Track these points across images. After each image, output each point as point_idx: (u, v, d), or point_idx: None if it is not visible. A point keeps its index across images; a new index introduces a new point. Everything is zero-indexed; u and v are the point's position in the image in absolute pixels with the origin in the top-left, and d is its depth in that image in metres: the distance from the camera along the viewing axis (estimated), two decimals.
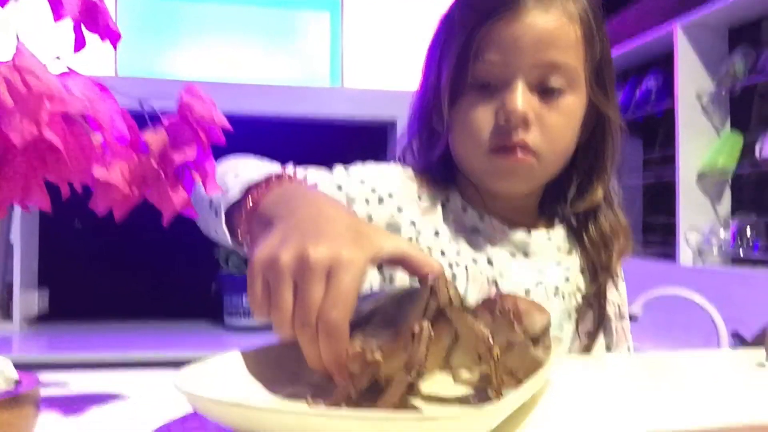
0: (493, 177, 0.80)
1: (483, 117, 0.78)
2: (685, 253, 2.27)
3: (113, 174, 0.39)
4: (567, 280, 0.85)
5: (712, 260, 2.25)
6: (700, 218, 2.29)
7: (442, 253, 0.81)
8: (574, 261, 0.87)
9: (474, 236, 0.84)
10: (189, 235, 2.45)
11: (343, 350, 0.42)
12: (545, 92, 0.77)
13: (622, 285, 0.92)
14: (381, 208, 0.81)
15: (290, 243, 0.45)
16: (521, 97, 0.75)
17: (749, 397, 0.54)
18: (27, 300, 2.23)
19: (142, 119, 0.46)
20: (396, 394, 0.40)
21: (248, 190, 0.62)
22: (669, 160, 2.31)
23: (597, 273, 0.86)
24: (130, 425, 0.44)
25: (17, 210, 2.16)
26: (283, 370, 0.50)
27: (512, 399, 0.40)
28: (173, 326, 2.40)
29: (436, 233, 0.82)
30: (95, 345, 2.04)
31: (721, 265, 2.24)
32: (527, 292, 0.82)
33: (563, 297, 0.84)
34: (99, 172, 0.39)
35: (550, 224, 0.88)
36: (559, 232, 0.87)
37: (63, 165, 0.35)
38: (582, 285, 0.86)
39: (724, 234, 2.21)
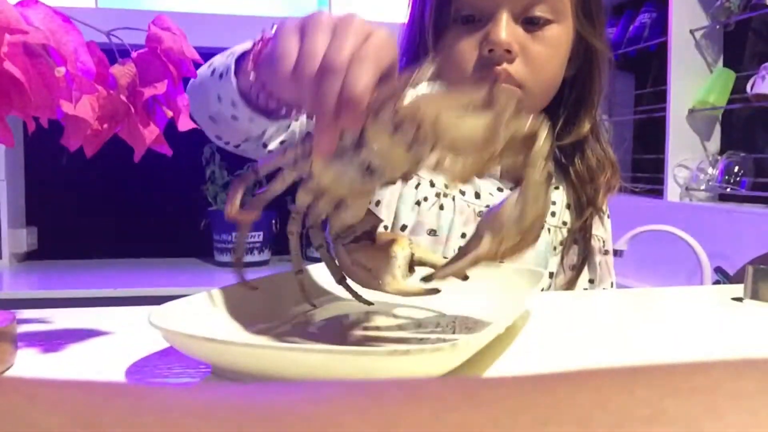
0: None
1: (467, 49, 0.77)
2: (673, 190, 2.28)
3: (81, 109, 0.38)
4: (553, 214, 0.86)
5: (700, 197, 2.26)
6: (689, 155, 2.29)
7: (432, 183, 0.81)
8: (560, 195, 0.87)
9: None
10: (178, 172, 2.44)
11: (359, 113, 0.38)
12: (530, 23, 0.76)
13: (607, 221, 0.92)
14: None
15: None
16: (505, 28, 0.74)
17: (724, 332, 0.55)
18: (15, 237, 2.22)
19: (117, 52, 0.44)
20: None
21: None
22: (660, 96, 2.29)
23: (583, 208, 0.86)
24: (107, 360, 0.45)
25: (1, 148, 2.13)
26: (261, 306, 0.51)
27: (486, 333, 0.40)
28: (163, 263, 2.41)
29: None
30: (84, 282, 2.05)
31: (708, 201, 2.25)
32: None
33: (548, 231, 0.85)
34: (66, 106, 0.38)
35: None
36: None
37: (26, 99, 0.34)
38: (568, 220, 0.86)
39: (712, 171, 2.21)
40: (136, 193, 2.44)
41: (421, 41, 0.81)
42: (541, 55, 0.77)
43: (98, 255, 2.43)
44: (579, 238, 0.86)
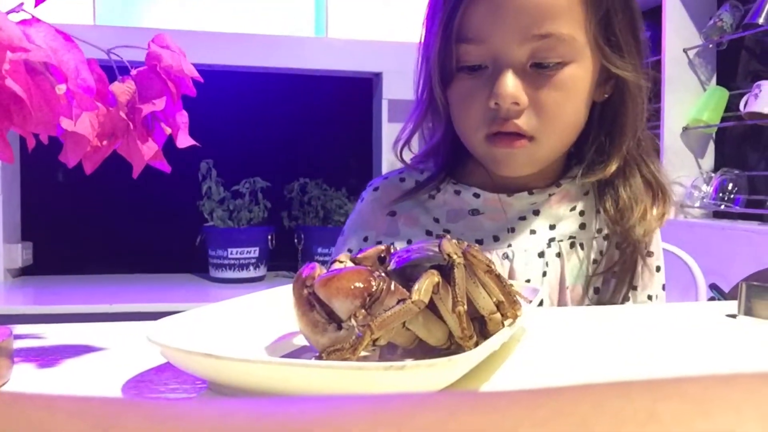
0: (493, 164, 0.77)
1: (475, 101, 0.73)
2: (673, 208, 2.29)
3: (81, 125, 0.38)
4: (582, 226, 0.81)
5: (694, 214, 2.27)
6: (683, 172, 2.30)
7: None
8: (590, 202, 0.82)
9: (474, 217, 0.81)
10: (173, 189, 2.44)
11: None
12: (539, 66, 0.71)
13: (650, 259, 0.83)
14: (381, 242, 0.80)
15: None
16: (510, 81, 0.70)
17: (717, 347, 0.55)
18: (10, 253, 2.22)
19: (117, 70, 0.45)
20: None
21: None
22: (655, 114, 2.31)
23: (617, 241, 0.80)
24: (104, 376, 0.45)
25: None
26: (262, 321, 0.51)
27: (481, 349, 0.40)
28: (158, 279, 2.41)
29: (428, 233, 0.81)
30: (80, 298, 2.05)
31: (703, 218, 2.26)
32: (541, 254, 0.80)
33: (581, 247, 0.81)
34: (66, 123, 0.38)
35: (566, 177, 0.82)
36: (570, 185, 0.82)
37: (27, 116, 0.35)
38: (602, 227, 0.81)
39: (706, 188, 2.22)
40: (132, 209, 2.44)
41: (432, 85, 0.78)
42: (553, 100, 0.72)
43: (93, 270, 2.42)
44: (615, 277, 0.80)
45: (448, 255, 0.42)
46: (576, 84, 0.73)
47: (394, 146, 0.87)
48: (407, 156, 0.87)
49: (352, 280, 0.41)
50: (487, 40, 0.71)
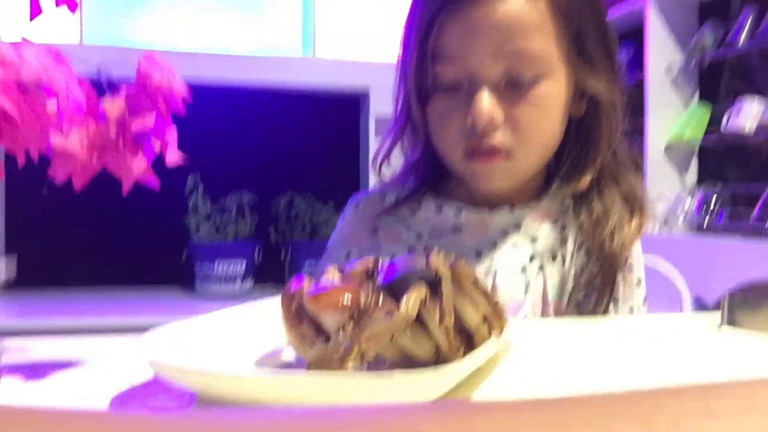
0: (472, 180, 0.78)
1: (452, 119, 0.74)
2: (653, 222, 2.31)
3: (71, 142, 0.39)
4: (564, 241, 0.82)
5: (678, 229, 2.30)
6: (667, 187, 2.33)
7: None
8: (570, 229, 0.83)
9: (456, 234, 0.82)
10: (159, 203, 2.44)
11: None
12: (514, 84, 0.72)
13: (630, 273, 0.84)
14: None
15: None
16: (485, 100, 0.71)
17: (701, 356, 0.56)
18: None
19: (103, 87, 0.45)
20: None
21: None
22: (639, 130, 2.34)
23: (595, 255, 0.81)
24: (91, 390, 0.45)
25: None
26: (250, 334, 0.51)
27: (469, 360, 0.41)
28: (144, 293, 2.39)
29: (411, 249, 0.81)
30: (66, 312, 2.03)
31: (687, 233, 2.28)
32: (524, 269, 0.80)
33: (563, 261, 0.81)
34: (56, 140, 0.39)
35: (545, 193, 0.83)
36: (551, 200, 0.83)
37: (18, 133, 0.35)
38: (578, 259, 0.82)
39: (689, 203, 2.25)
40: (118, 222, 2.43)
41: (410, 103, 0.78)
42: (529, 117, 0.73)
43: (79, 284, 2.40)
44: (599, 257, 0.80)
45: (436, 268, 0.43)
46: (551, 100, 0.74)
47: (373, 162, 0.88)
48: (388, 172, 0.87)
49: (340, 293, 0.41)
50: (462, 59, 0.72)
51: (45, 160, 0.42)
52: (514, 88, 0.72)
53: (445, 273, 0.43)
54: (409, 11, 0.78)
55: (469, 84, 0.73)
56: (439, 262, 0.44)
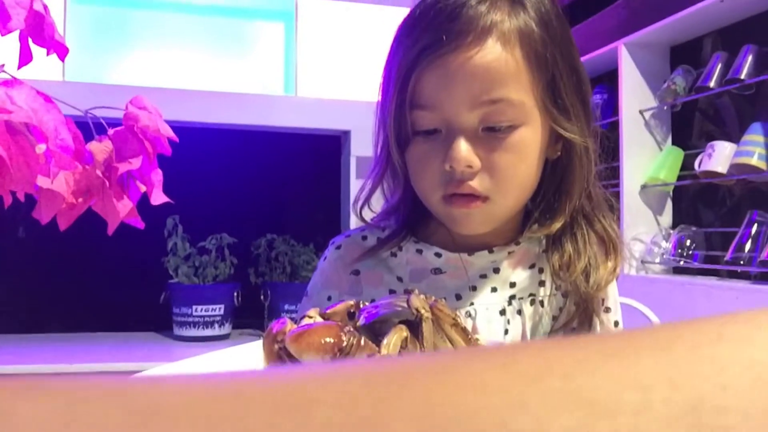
0: (452, 224, 0.79)
1: (431, 164, 0.75)
2: (629, 263, 2.34)
3: (57, 184, 0.39)
4: (542, 283, 0.83)
5: (655, 270, 2.32)
6: (643, 229, 2.36)
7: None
8: (548, 271, 0.84)
9: (437, 276, 0.82)
10: (138, 244, 2.42)
11: None
12: (492, 130, 0.73)
13: (608, 315, 0.85)
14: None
15: None
16: (462, 147, 0.72)
17: None
18: None
19: (88, 127, 0.46)
20: None
21: None
22: (614, 172, 2.39)
23: (572, 297, 0.82)
24: None
25: None
26: None
27: None
28: (120, 338, 2.36)
29: (391, 292, 0.82)
30: (39, 357, 1.99)
31: (663, 274, 2.31)
32: (503, 312, 0.81)
33: (541, 304, 0.82)
34: (42, 181, 0.39)
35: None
36: (528, 243, 0.84)
37: (7, 175, 0.35)
38: (555, 301, 0.83)
39: (665, 244, 2.28)
40: (95, 265, 2.40)
41: (389, 148, 0.80)
42: (506, 162, 0.74)
43: (54, 329, 2.36)
44: (575, 299, 0.81)
45: (416, 310, 0.44)
46: (527, 146, 0.75)
47: (354, 205, 0.88)
48: (368, 215, 0.88)
49: (322, 335, 0.41)
50: (439, 107, 0.73)
51: (20, 202, 0.42)
52: (490, 135, 0.73)
53: (425, 314, 0.43)
54: (387, 56, 0.79)
55: (446, 130, 0.74)
56: (419, 303, 0.45)
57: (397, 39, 0.78)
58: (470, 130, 0.73)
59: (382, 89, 0.80)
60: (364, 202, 0.87)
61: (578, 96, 0.78)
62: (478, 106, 0.72)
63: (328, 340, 0.41)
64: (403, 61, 0.75)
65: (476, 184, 0.74)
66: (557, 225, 0.81)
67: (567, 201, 0.80)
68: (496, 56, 0.72)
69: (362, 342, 0.42)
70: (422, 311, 0.43)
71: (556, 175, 0.81)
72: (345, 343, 0.41)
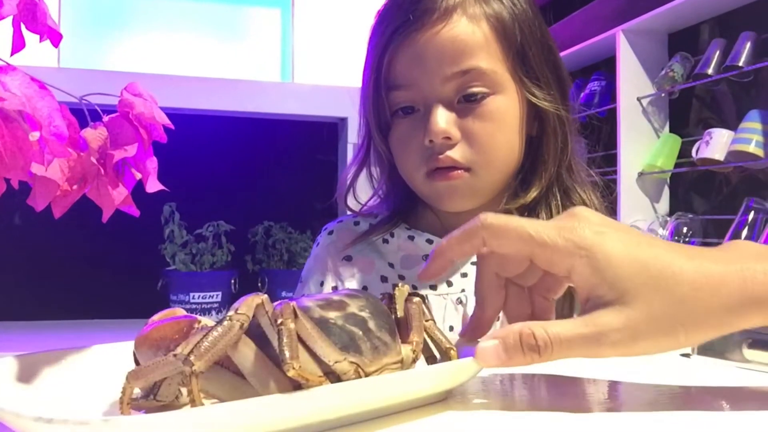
0: (437, 200, 0.79)
1: (411, 141, 0.77)
2: None
3: (52, 171, 0.39)
4: None
5: None
6: (640, 216, 2.36)
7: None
8: None
9: None
10: (135, 232, 2.42)
11: None
12: (468, 100, 0.75)
13: None
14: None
15: None
16: (440, 119, 0.74)
17: (671, 385, 0.57)
18: None
19: (83, 114, 0.46)
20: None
21: None
22: (611, 159, 2.39)
23: None
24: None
25: None
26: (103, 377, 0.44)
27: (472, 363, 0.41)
28: (117, 325, 2.36)
29: (383, 278, 0.82)
30: (35, 345, 1.99)
31: None
32: None
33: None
34: (36, 168, 0.39)
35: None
36: None
37: (0, 163, 0.35)
38: None
39: (662, 231, 2.29)
40: (91, 252, 2.40)
41: (371, 132, 0.81)
42: (484, 131, 0.75)
43: (50, 316, 2.36)
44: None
45: (274, 317, 0.39)
46: (504, 114, 0.76)
47: (338, 195, 0.89)
48: (354, 204, 0.88)
49: (151, 333, 0.38)
50: (414, 84, 0.75)
51: (13, 190, 0.42)
52: (467, 106, 0.75)
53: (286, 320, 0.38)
54: (367, 44, 0.81)
55: (423, 107, 0.76)
56: (246, 309, 0.40)
57: (372, 27, 0.80)
58: (446, 102, 0.75)
59: (363, 75, 0.82)
60: (348, 190, 0.87)
61: (549, 65, 0.79)
62: (450, 78, 0.74)
63: (162, 335, 0.38)
64: (377, 46, 0.77)
65: (456, 155, 0.75)
66: (533, 194, 0.81)
67: (543, 170, 0.81)
68: (463, 29, 0.74)
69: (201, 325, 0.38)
70: (279, 318, 0.38)
71: (530, 151, 0.82)
72: (180, 335, 0.37)
